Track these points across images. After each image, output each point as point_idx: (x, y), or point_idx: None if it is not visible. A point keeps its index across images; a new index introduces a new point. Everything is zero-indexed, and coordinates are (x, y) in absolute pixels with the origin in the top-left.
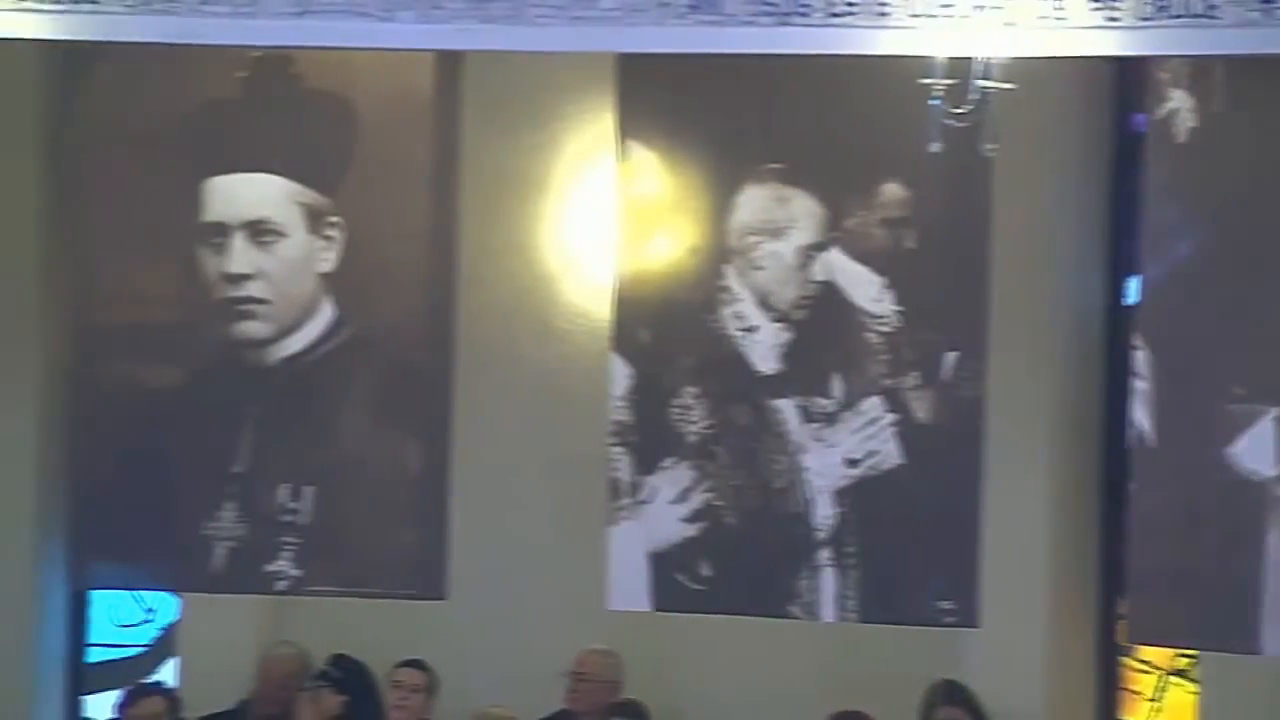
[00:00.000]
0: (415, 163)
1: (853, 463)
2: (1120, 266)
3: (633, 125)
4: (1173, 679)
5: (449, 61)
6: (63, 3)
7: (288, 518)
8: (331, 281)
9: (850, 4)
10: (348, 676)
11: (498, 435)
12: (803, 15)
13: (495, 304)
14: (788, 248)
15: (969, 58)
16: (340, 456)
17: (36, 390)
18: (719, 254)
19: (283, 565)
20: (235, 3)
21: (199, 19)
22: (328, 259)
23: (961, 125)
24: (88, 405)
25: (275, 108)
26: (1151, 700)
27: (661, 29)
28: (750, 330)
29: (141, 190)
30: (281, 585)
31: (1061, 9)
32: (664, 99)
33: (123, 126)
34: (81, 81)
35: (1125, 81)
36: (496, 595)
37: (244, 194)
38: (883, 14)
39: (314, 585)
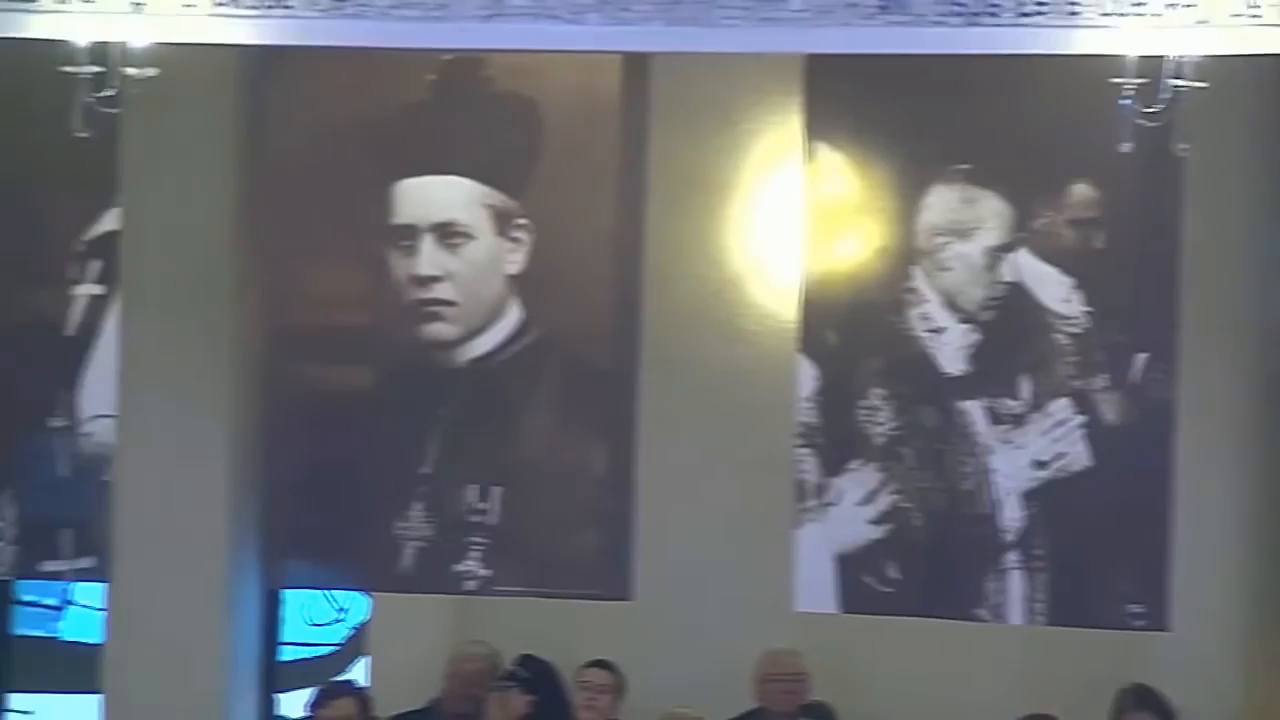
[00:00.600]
0: (602, 164)
1: (1041, 464)
2: None
3: (820, 126)
4: None
5: (636, 63)
6: (258, 8)
7: (476, 518)
8: (519, 283)
9: (1040, 3)
10: (536, 677)
11: (683, 436)
12: (992, 15)
13: (681, 305)
14: (976, 249)
15: (1160, 56)
16: (527, 457)
17: (229, 392)
18: (906, 255)
19: (471, 565)
20: (425, 6)
21: (390, 23)
22: (515, 261)
23: (1153, 125)
24: (279, 407)
25: (464, 110)
26: None
27: (849, 30)
28: (938, 332)
29: (332, 193)
30: (470, 585)
31: (1256, 6)
32: (851, 100)
33: (315, 130)
34: (275, 85)
35: None
36: (682, 596)
37: (433, 196)
38: (1073, 13)
39: (501, 585)
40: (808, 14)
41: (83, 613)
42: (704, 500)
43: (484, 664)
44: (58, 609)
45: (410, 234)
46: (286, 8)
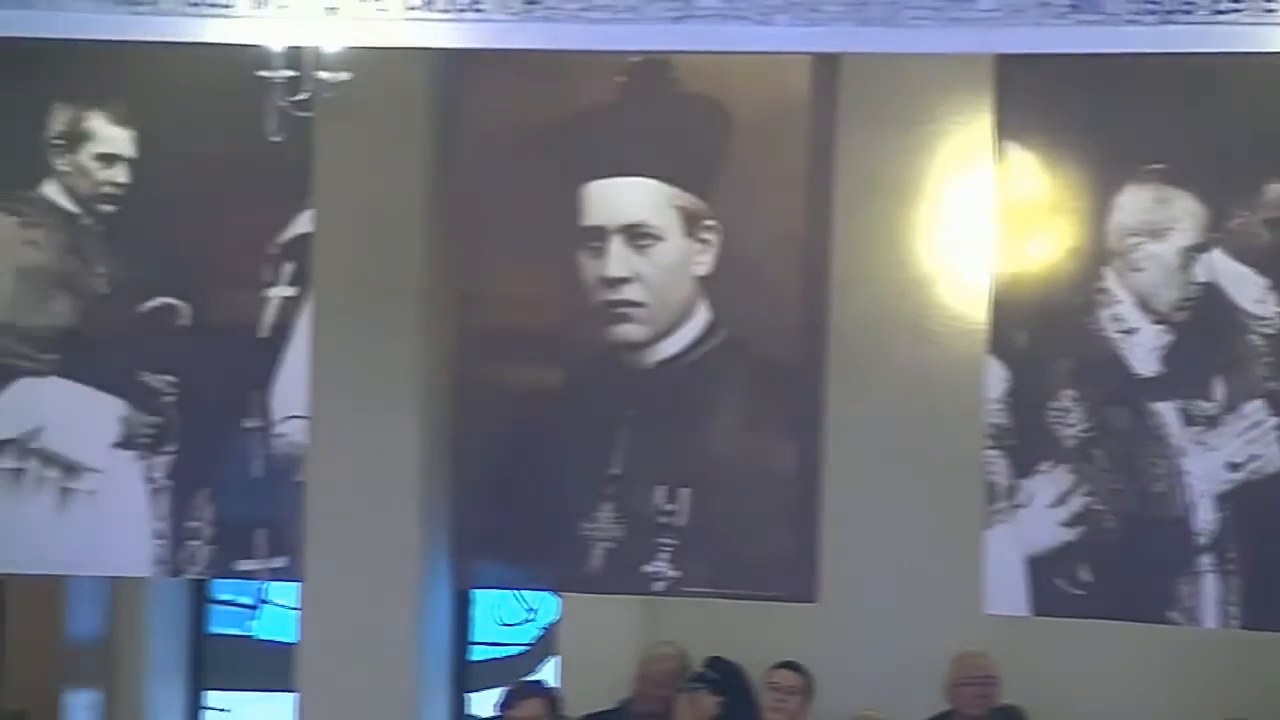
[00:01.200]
0: (790, 165)
1: (1235, 466)
2: None
3: (1011, 125)
4: None
5: (825, 63)
6: (449, 11)
7: (664, 519)
8: (707, 284)
9: (1235, 0)
10: (724, 678)
11: (870, 437)
12: (1186, 13)
13: (869, 306)
14: (1169, 249)
15: None
16: (715, 458)
17: (419, 393)
18: (1098, 256)
19: (660, 566)
20: (615, 9)
21: (580, 25)
22: (703, 262)
23: None
24: (469, 407)
25: (653, 112)
26: None
27: (1041, 29)
28: (1130, 332)
29: (522, 195)
30: (659, 586)
31: None
32: (1043, 98)
33: (504, 132)
34: (465, 88)
35: None
36: (870, 598)
37: (622, 198)
38: (1270, 10)
39: (690, 586)
40: (999, 13)
41: (277, 611)
42: (892, 501)
43: (673, 665)
44: (253, 608)
45: (599, 236)
46: (478, 11)
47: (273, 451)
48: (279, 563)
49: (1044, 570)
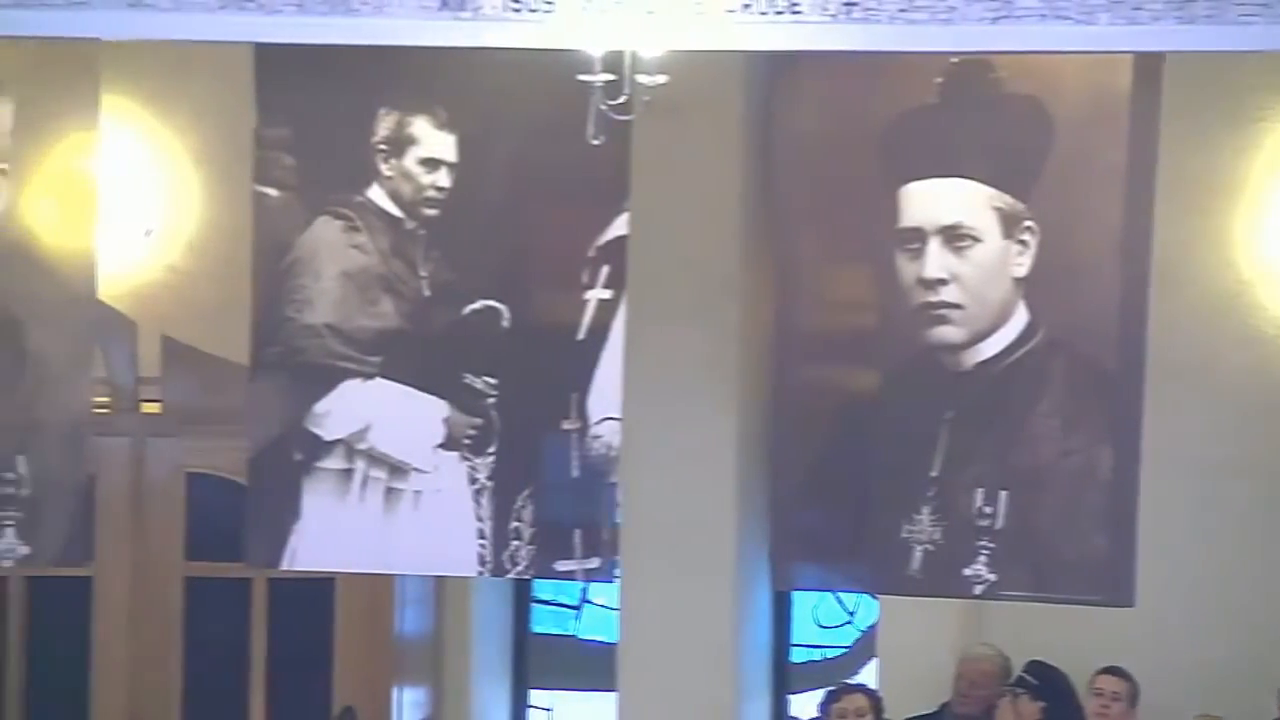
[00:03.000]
0: (1111, 165)
1: None
2: None
3: None
4: None
5: (1148, 62)
6: (767, 13)
7: (983, 522)
8: (1025, 286)
9: None
10: (1047, 682)
11: (1190, 440)
12: None
13: (1190, 308)
14: None
15: None
16: (1033, 461)
17: (735, 394)
18: None
19: (979, 569)
20: (934, 10)
21: (899, 26)
22: (1021, 264)
23: None
24: (787, 408)
25: (971, 112)
26: None
27: None
28: None
29: (839, 196)
30: (978, 589)
31: None
32: None
33: (822, 133)
34: (783, 90)
35: None
36: (1188, 603)
37: (941, 199)
38: None
39: (1008, 590)
40: None
41: (599, 612)
42: (1211, 506)
43: (993, 665)
44: (575, 608)
45: (918, 237)
46: (796, 13)
47: (589, 453)
48: (594, 563)
49: None
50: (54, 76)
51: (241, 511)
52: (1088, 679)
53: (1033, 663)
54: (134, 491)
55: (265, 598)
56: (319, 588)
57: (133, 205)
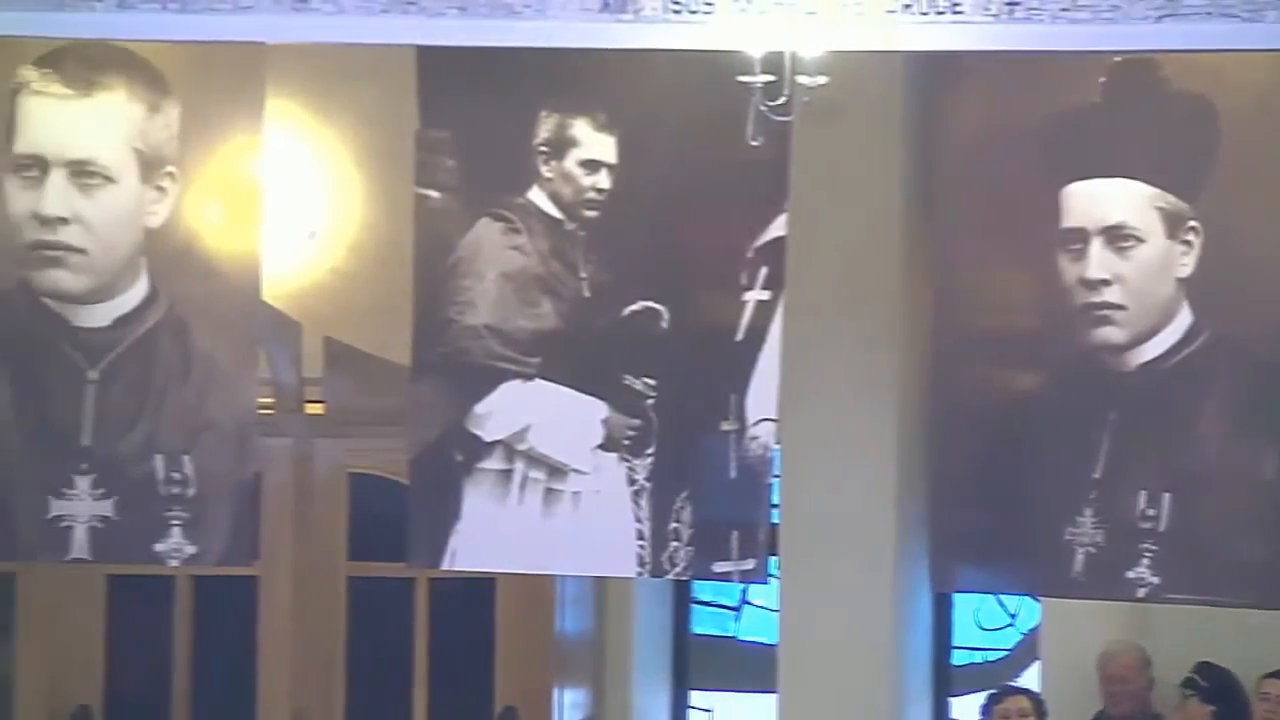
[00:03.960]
0: (1278, 164)
1: None
2: None
3: None
4: None
5: None
6: (928, 13)
7: (1146, 524)
8: (1188, 286)
9: None
10: (1216, 685)
11: None
12: None
13: None
14: None
15: None
16: (1196, 463)
17: (895, 395)
18: None
19: (1142, 572)
20: (1097, 9)
21: (1061, 26)
22: (1186, 264)
23: None
24: (947, 409)
25: (1135, 112)
26: None
27: None
28: None
29: (1001, 197)
30: (1141, 592)
31: None
32: None
33: (983, 133)
34: (944, 90)
35: None
36: None
37: (1104, 200)
38: None
39: (1171, 593)
40: None
41: (758, 613)
42: None
43: (1132, 659)
44: (735, 609)
45: (1080, 237)
46: (957, 13)
47: (747, 454)
48: (750, 564)
49: None
50: (220, 80)
51: (403, 512)
52: (1254, 683)
53: (1201, 664)
54: (298, 492)
55: (427, 597)
56: (480, 588)
57: (296, 208)
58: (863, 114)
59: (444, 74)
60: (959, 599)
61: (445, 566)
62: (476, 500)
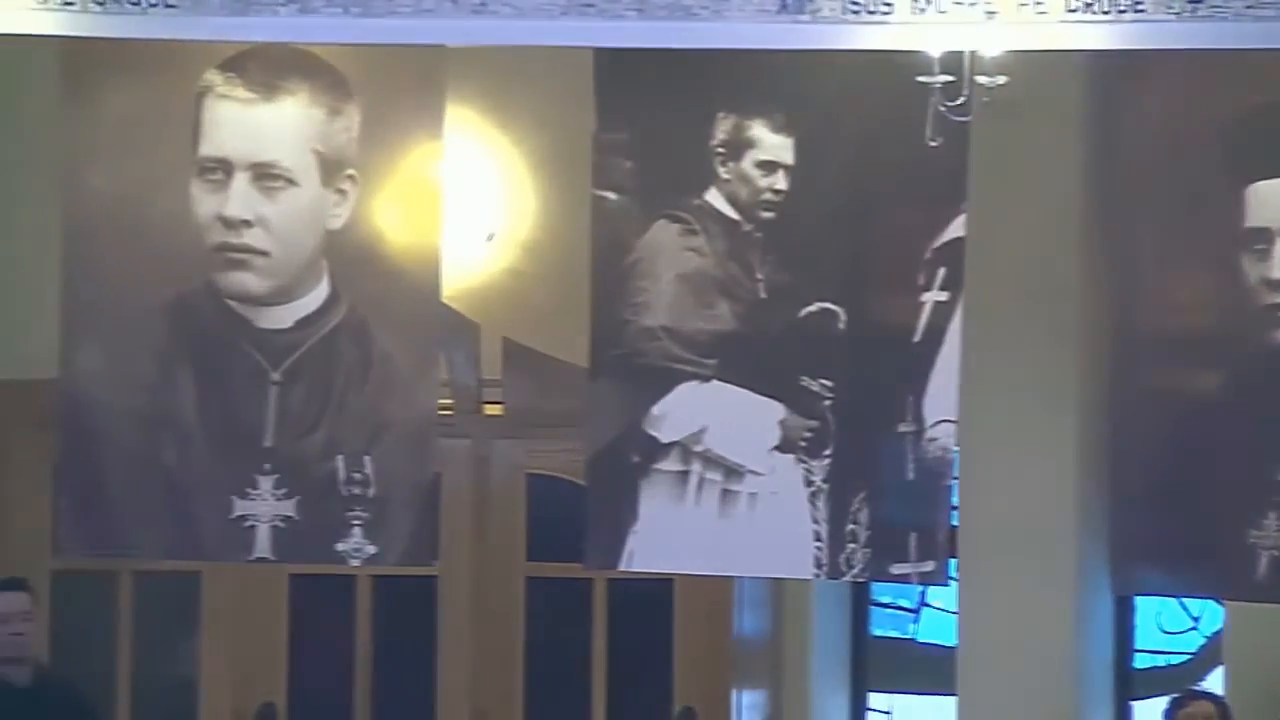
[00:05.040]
0: None
1: None
2: None
3: None
4: None
5: None
6: (1110, 12)
7: None
8: None
9: None
10: None
11: None
12: None
13: None
14: None
15: None
16: None
17: (1076, 396)
18: None
19: None
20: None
21: (1246, 24)
22: None
23: None
24: (1128, 410)
25: None
26: None
27: None
28: None
29: (1183, 196)
30: None
31: None
32: None
33: (1165, 133)
34: (1123, 89)
35: None
36: None
37: None
38: None
39: None
40: None
41: (936, 615)
42: None
43: None
44: (913, 611)
45: (1264, 237)
46: (1139, 11)
47: (925, 455)
48: (929, 566)
49: None
50: (401, 83)
51: (580, 513)
52: None
53: None
54: (476, 493)
55: (605, 598)
56: (658, 589)
57: (474, 210)
58: (1043, 113)
59: (621, 76)
60: (1140, 602)
61: (623, 568)
62: (653, 502)
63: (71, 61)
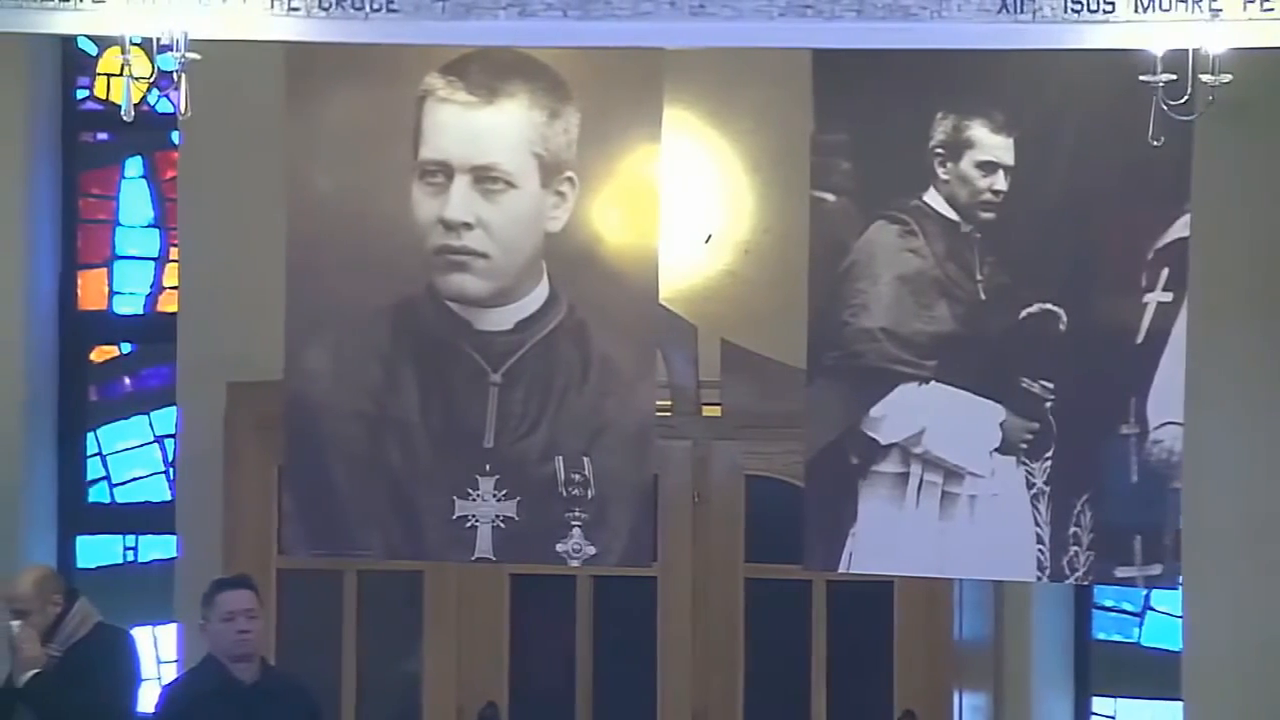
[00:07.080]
0: None
1: None
2: None
3: None
4: None
5: None
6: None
7: None
8: None
9: None
10: None
11: None
12: None
13: None
14: None
15: None
16: None
17: None
18: None
19: None
20: None
21: None
22: None
23: None
24: None
25: None
26: None
27: None
28: None
29: None
30: None
31: None
32: None
33: None
34: None
35: None
36: None
37: None
38: None
39: None
40: None
41: (1162, 619)
42: None
43: None
44: (1138, 615)
45: None
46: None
47: (1148, 458)
48: (1154, 570)
49: None
50: (619, 85)
51: (798, 514)
52: None
53: None
54: (695, 494)
55: (825, 600)
56: (878, 590)
57: (692, 212)
58: (1267, 113)
59: (840, 77)
60: None
61: (842, 570)
62: (873, 503)
63: (296, 67)
